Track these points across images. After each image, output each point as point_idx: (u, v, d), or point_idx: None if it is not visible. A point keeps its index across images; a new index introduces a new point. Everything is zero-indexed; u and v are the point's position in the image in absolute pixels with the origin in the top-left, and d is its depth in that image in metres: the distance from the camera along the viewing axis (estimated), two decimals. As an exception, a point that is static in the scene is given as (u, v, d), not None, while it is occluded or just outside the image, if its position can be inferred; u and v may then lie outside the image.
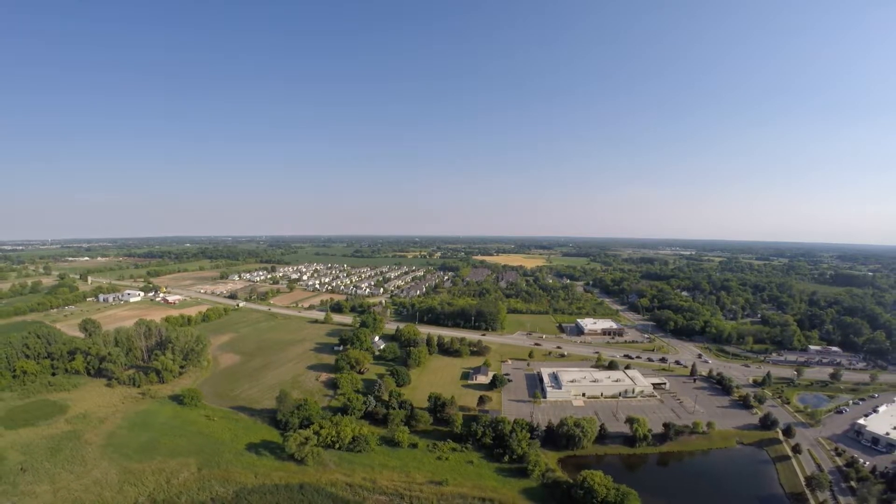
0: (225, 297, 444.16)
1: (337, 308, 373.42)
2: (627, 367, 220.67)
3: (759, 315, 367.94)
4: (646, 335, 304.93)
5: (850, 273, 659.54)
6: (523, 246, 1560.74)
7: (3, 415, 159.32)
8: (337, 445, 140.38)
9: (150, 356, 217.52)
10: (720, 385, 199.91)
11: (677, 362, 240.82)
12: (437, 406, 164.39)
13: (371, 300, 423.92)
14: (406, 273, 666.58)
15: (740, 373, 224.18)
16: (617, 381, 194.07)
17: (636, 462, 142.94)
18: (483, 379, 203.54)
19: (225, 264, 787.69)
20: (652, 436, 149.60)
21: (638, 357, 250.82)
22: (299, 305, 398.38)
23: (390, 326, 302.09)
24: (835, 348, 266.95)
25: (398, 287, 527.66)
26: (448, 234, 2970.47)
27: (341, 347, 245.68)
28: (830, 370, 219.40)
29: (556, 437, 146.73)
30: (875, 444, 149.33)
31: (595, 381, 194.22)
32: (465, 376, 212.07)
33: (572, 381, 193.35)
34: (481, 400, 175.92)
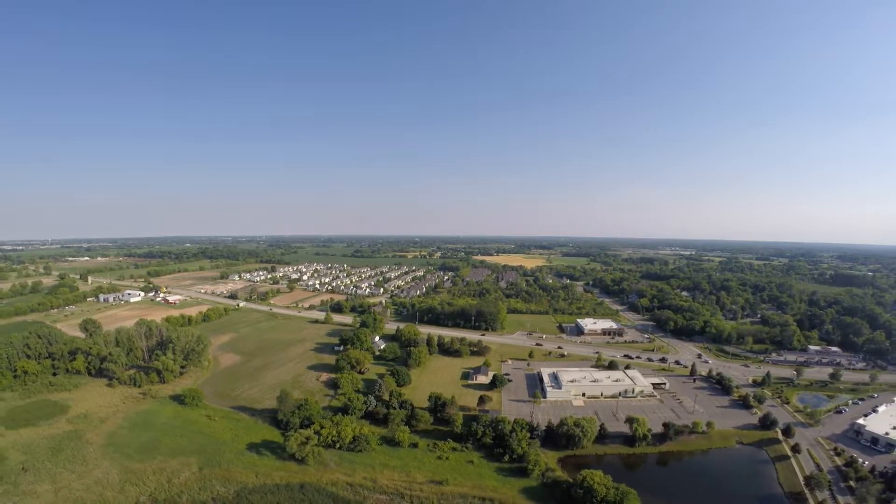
0: (225, 297, 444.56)
1: (337, 308, 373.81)
2: (627, 367, 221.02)
3: (758, 315, 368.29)
4: (646, 335, 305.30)
5: (850, 273, 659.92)
6: (523, 246, 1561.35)
7: (5, 415, 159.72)
8: (338, 445, 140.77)
9: (151, 356, 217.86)
10: (720, 385, 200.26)
11: (677, 362, 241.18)
12: (438, 406, 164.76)
13: (371, 300, 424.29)
14: (406, 273, 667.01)
15: (740, 373, 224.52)
16: (617, 381, 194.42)
17: (636, 462, 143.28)
18: (483, 379, 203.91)
19: (225, 264, 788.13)
20: (652, 435, 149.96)
21: (638, 357, 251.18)
22: (299, 305, 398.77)
23: (390, 326, 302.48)
24: (834, 348, 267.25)
25: (398, 287, 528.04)
26: (448, 234, 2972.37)
27: (342, 347, 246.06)
28: (830, 370, 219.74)
29: (556, 436, 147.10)
30: (874, 443, 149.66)
31: (595, 381, 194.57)
32: (466, 376, 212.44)
33: (572, 381, 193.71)
34: (481, 400, 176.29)
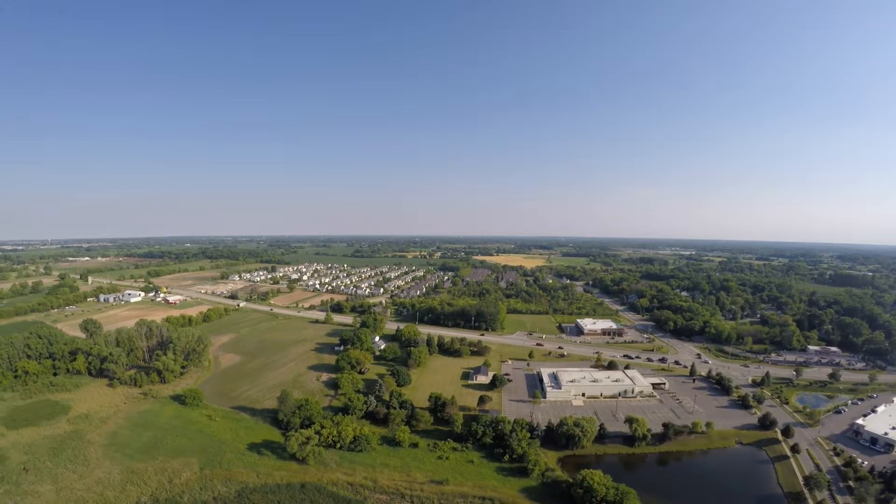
0: (225, 297, 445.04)
1: (337, 308, 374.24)
2: (627, 368, 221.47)
3: (758, 315, 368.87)
4: (645, 335, 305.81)
5: (850, 273, 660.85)
6: (523, 246, 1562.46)
7: (6, 415, 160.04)
8: (338, 445, 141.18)
9: (152, 356, 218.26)
10: (719, 385, 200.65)
11: (677, 362, 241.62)
12: (438, 406, 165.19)
13: (371, 300, 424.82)
14: (406, 273, 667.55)
15: (739, 373, 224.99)
16: (616, 381, 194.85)
17: (635, 461, 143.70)
18: (483, 379, 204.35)
19: (225, 264, 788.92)
20: (651, 435, 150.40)
21: (637, 357, 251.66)
22: (300, 305, 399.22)
23: (391, 326, 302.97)
24: (834, 349, 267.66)
25: (398, 287, 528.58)
26: (448, 234, 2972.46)
27: (342, 347, 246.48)
28: (829, 370, 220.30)
29: (556, 436, 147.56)
30: (873, 443, 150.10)
31: (595, 381, 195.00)
32: (466, 376, 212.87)
33: (572, 381, 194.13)
34: (481, 400, 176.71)
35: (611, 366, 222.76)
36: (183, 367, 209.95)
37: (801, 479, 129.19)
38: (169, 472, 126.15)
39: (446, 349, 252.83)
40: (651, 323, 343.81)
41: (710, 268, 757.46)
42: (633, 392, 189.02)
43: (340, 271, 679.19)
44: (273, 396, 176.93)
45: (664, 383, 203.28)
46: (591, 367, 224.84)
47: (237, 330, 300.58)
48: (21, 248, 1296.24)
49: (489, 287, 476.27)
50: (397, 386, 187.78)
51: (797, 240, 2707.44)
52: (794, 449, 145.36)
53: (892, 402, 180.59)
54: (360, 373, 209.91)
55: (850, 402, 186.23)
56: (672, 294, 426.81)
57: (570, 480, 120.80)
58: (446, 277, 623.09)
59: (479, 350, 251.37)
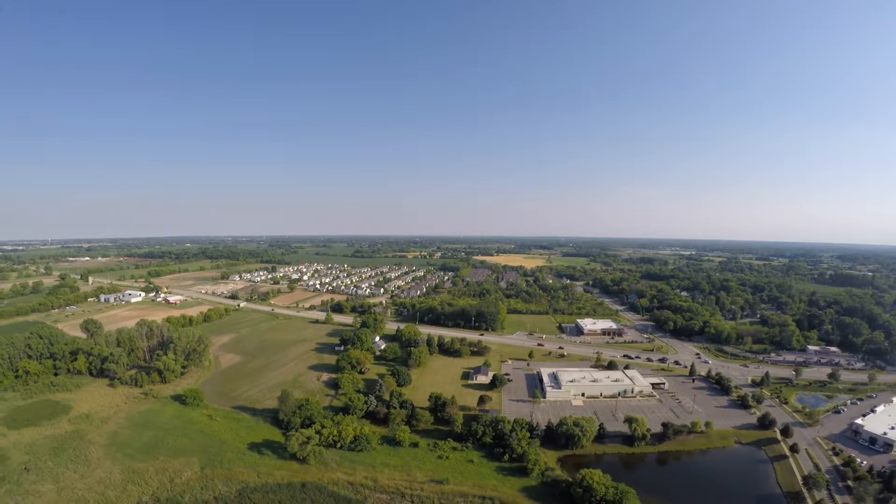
0: (226, 297, 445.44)
1: (338, 308, 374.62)
2: (626, 367, 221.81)
3: (758, 315, 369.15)
4: (645, 335, 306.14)
5: (850, 273, 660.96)
6: (523, 246, 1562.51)
7: (7, 415, 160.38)
8: (338, 445, 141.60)
9: (152, 356, 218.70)
10: (719, 385, 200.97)
11: (676, 362, 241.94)
12: (438, 406, 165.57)
13: (372, 300, 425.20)
14: (406, 273, 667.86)
15: (739, 373, 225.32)
16: (616, 380, 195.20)
17: (635, 461, 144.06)
18: (483, 379, 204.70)
19: (225, 264, 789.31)
20: (651, 435, 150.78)
21: (637, 357, 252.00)
22: (300, 306, 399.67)
23: (391, 327, 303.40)
24: (833, 348, 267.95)
25: (399, 287, 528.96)
26: (448, 234, 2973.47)
27: (342, 347, 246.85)
28: (829, 370, 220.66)
29: (556, 436, 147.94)
30: (872, 443, 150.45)
31: (594, 381, 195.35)
32: (466, 376, 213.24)
33: (572, 381, 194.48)
34: (481, 400, 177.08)
35: (610, 366, 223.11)
36: (183, 367, 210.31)
37: (799, 478, 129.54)
38: (170, 472, 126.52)
39: (446, 349, 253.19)
40: (651, 323, 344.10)
41: (710, 268, 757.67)
42: (632, 392, 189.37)
43: (341, 271, 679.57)
44: (273, 396, 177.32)
45: (664, 383, 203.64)
46: (591, 367, 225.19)
47: (237, 330, 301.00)
48: (21, 248, 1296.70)
49: (489, 287, 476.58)
50: (397, 386, 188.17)
51: (797, 240, 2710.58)
52: (793, 449, 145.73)
53: (892, 402, 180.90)
54: (361, 373, 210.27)
55: (849, 401, 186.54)
56: (672, 294, 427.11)
57: (570, 480, 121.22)
58: (446, 277, 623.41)
59: (479, 350, 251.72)
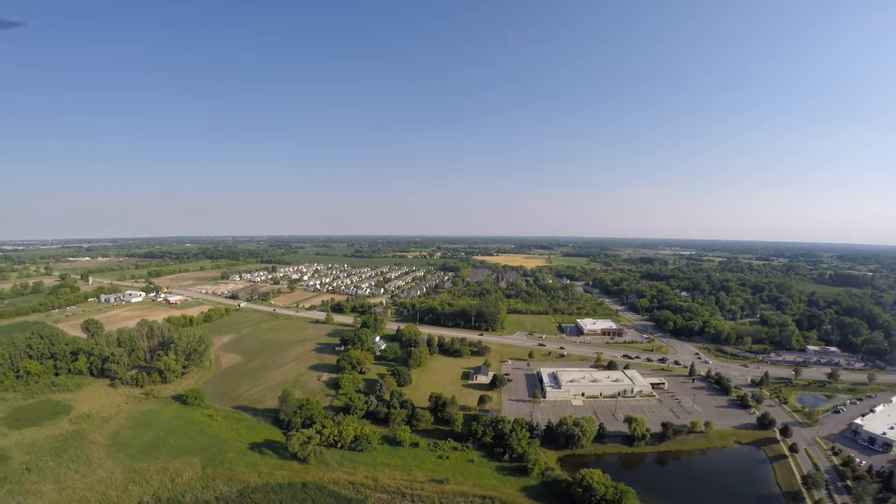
0: (226, 297, 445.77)
1: (338, 308, 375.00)
2: (626, 367, 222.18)
3: (758, 315, 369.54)
4: (645, 335, 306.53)
5: (850, 273, 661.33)
6: (523, 246, 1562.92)
7: (8, 415, 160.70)
8: (339, 444, 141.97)
9: (153, 356, 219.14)
10: (718, 385, 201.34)
11: (676, 362, 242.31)
12: (438, 406, 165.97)
13: (372, 300, 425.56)
14: (406, 273, 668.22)
15: (739, 373, 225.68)
16: (616, 380, 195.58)
17: (634, 461, 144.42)
18: (483, 379, 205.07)
19: (226, 264, 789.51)
20: (650, 435, 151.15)
21: (637, 357, 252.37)
22: (300, 306, 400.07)
23: (391, 327, 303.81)
24: (833, 348, 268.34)
25: (399, 287, 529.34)
26: (448, 234, 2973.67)
27: (342, 347, 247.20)
28: (828, 370, 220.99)
29: (556, 436, 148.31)
30: (872, 443, 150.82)
31: (594, 380, 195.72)
32: (466, 376, 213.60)
33: (571, 381, 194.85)
34: (482, 400, 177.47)
35: (610, 366, 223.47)
36: (184, 368, 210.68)
37: (799, 478, 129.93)
38: (171, 472, 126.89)
39: (447, 349, 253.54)
40: (651, 323, 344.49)
41: (710, 268, 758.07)
42: (632, 392, 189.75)
43: (341, 271, 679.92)
44: (274, 396, 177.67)
45: (663, 383, 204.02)
46: (591, 367, 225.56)
47: (238, 330, 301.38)
48: (21, 248, 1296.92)
49: (489, 287, 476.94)
50: (398, 386, 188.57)
51: (797, 240, 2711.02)
52: (793, 448, 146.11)
53: (891, 401, 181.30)
54: (361, 373, 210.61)
55: (848, 401, 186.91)
56: (672, 294, 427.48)
57: (570, 479, 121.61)
58: (446, 277, 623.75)
59: (479, 350, 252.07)
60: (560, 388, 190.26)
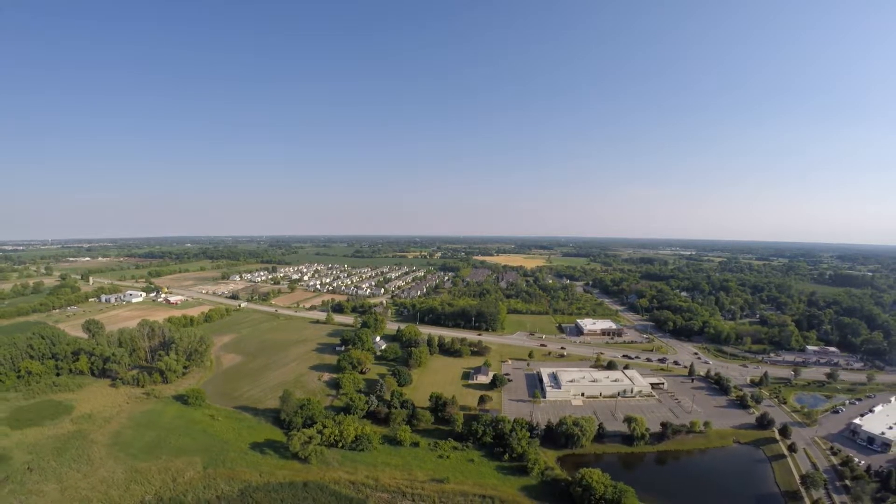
0: (226, 297, 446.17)
1: (338, 308, 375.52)
2: (626, 368, 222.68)
3: (757, 315, 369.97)
4: (645, 335, 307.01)
5: (850, 273, 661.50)
6: (523, 246, 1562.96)
7: (9, 415, 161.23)
8: (340, 444, 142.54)
9: (154, 357, 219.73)
10: (718, 385, 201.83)
11: (676, 362, 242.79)
12: (439, 405, 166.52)
13: (372, 301, 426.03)
14: (407, 273, 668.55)
15: (738, 373, 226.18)
16: (615, 380, 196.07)
17: (634, 460, 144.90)
18: (483, 379, 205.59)
19: (226, 265, 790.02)
20: (650, 435, 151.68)
21: (637, 357, 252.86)
22: (300, 306, 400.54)
23: (391, 327, 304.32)
24: (832, 349, 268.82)
25: (399, 287, 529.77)
26: (448, 234, 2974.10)
27: (343, 348, 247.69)
28: (827, 370, 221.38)
29: (556, 436, 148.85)
30: (870, 443, 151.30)
31: (594, 380, 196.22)
32: (466, 376, 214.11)
33: (571, 381, 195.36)
34: (482, 399, 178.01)
35: (610, 366, 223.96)
36: (185, 368, 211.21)
37: (797, 477, 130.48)
38: (172, 472, 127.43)
39: (447, 349, 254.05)
40: (651, 323, 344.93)
41: (710, 268, 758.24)
42: (632, 392, 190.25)
43: (341, 272, 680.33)
44: (275, 396, 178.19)
45: (663, 383, 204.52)
46: (591, 367, 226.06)
47: (238, 330, 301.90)
48: (21, 248, 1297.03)
49: (489, 287, 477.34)
50: (398, 386, 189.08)
51: (797, 240, 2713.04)
52: (792, 448, 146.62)
53: (890, 401, 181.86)
54: (362, 373, 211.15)
55: (847, 401, 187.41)
56: (672, 294, 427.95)
57: (570, 479, 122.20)
58: (447, 278, 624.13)
59: (479, 350, 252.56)
60: (560, 388, 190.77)
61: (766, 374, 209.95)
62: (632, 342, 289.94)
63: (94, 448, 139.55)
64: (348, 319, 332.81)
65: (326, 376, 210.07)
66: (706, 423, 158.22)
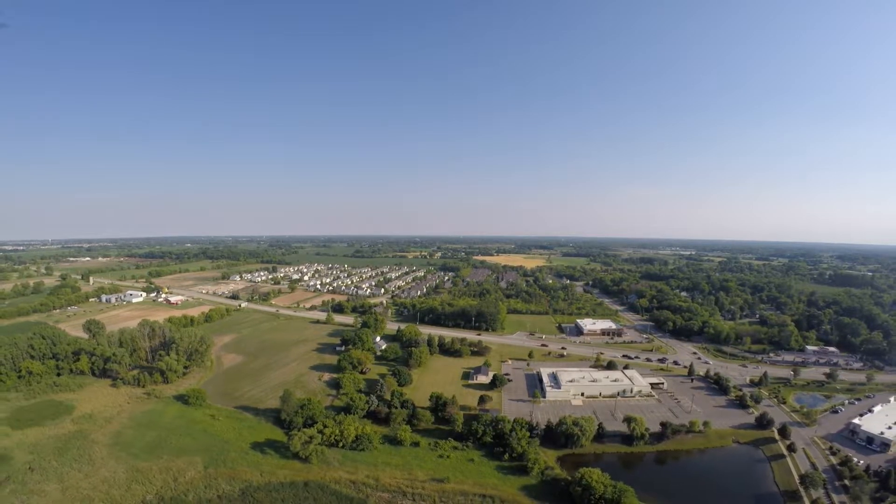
0: (227, 297, 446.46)
1: (338, 308, 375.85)
2: (626, 367, 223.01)
3: (757, 315, 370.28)
4: (644, 335, 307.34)
5: (849, 273, 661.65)
6: (523, 246, 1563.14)
7: (10, 415, 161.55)
8: (340, 444, 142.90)
9: (155, 357, 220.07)
10: (717, 385, 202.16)
11: (675, 362, 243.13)
12: (439, 405, 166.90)
13: (372, 300, 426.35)
14: (407, 273, 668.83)
15: (738, 373, 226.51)
16: (615, 380, 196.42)
17: (633, 460, 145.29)
18: (483, 379, 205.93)
19: (226, 265, 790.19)
20: (649, 435, 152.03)
21: (637, 357, 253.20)
22: (301, 306, 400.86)
23: (391, 327, 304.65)
24: (832, 349, 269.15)
25: (399, 287, 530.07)
26: (448, 234, 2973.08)
27: (343, 348, 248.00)
28: (827, 370, 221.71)
29: (556, 435, 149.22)
30: (869, 443, 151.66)
31: (594, 380, 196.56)
32: (466, 376, 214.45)
33: (571, 381, 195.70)
34: (482, 399, 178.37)
35: (610, 366, 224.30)
36: (186, 368, 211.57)
37: (797, 477, 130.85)
38: (173, 471, 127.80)
39: (447, 349, 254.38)
40: (650, 323, 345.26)
41: (710, 268, 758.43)
42: (631, 392, 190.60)
43: (341, 272, 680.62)
44: (275, 396, 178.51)
45: (663, 383, 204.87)
46: (591, 367, 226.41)
47: (239, 330, 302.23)
48: (22, 248, 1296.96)
49: (489, 287, 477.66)
50: (398, 386, 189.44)
51: (797, 240, 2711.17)
52: (791, 448, 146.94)
53: (889, 401, 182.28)
54: (362, 373, 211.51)
55: (847, 401, 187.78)
56: (671, 294, 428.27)
57: (569, 479, 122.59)
58: (447, 277, 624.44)
59: (479, 350, 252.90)
60: (560, 387, 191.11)
61: (765, 374, 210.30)
62: (632, 342, 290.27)
63: (95, 448, 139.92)
64: (348, 319, 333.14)
65: (327, 376, 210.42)
66: (706, 423, 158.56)
